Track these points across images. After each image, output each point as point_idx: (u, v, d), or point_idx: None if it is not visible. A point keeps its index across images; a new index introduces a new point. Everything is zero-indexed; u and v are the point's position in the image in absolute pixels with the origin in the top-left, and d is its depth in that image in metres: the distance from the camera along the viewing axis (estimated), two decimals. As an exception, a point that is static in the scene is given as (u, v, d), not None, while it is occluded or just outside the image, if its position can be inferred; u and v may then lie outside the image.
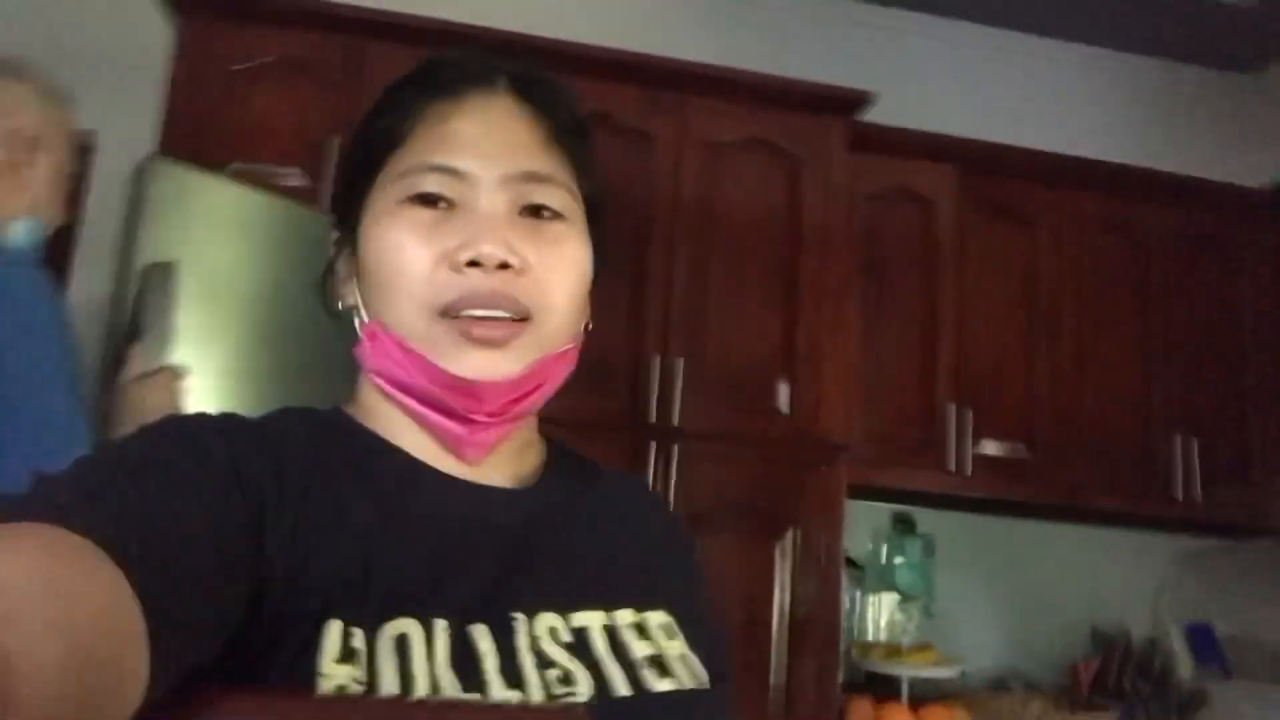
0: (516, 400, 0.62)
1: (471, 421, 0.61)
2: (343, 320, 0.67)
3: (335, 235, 0.67)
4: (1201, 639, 2.51)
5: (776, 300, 2.09)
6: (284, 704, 0.48)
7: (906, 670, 2.17)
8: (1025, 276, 2.36)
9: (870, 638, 2.39)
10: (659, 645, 0.62)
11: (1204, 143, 2.81)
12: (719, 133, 2.13)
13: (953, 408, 2.22)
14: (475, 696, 0.51)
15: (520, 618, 0.57)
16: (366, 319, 0.63)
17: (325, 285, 0.69)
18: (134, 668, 0.36)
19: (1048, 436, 2.28)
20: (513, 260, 0.59)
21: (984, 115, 2.62)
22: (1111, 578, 2.61)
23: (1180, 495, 2.30)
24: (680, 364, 2.00)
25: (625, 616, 0.63)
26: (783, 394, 2.04)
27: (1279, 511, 2.36)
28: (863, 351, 2.19)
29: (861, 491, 2.19)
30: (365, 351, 0.63)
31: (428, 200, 0.61)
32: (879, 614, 2.43)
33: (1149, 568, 2.63)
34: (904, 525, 2.47)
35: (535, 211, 0.62)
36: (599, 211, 0.67)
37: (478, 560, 0.59)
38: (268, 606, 0.51)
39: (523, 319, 0.61)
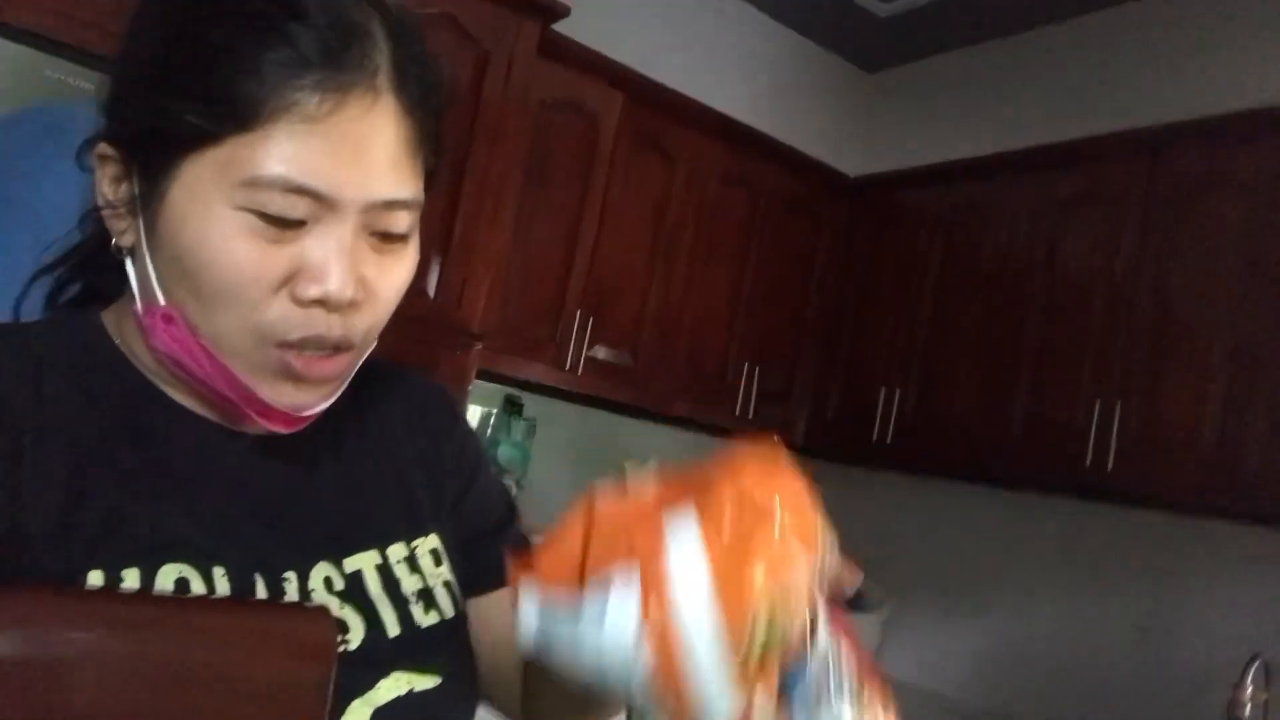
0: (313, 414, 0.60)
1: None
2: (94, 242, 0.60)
3: (109, 150, 0.56)
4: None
5: (441, 183, 2.12)
6: (50, 598, 0.52)
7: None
8: (658, 206, 2.63)
9: (465, 503, 2.62)
10: (426, 575, 0.66)
11: (823, 124, 3.28)
12: None
13: (578, 312, 2.46)
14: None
15: (291, 576, 0.58)
16: (161, 299, 0.55)
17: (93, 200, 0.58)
18: None
19: (650, 350, 2.62)
20: (358, 296, 0.55)
21: (655, 50, 2.83)
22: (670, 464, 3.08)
23: (739, 410, 2.78)
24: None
25: (398, 552, 0.65)
26: (432, 276, 2.12)
27: (802, 428, 2.96)
28: (511, 249, 2.34)
29: (482, 373, 2.36)
30: (155, 331, 0.56)
31: (277, 221, 0.52)
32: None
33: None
34: (513, 408, 2.70)
35: (383, 236, 0.57)
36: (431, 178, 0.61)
37: (247, 515, 0.59)
38: (21, 561, 0.49)
39: (350, 348, 0.58)
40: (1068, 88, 2.80)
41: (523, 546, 0.74)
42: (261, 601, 0.58)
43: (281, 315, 0.54)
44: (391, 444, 0.69)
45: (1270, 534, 2.17)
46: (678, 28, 2.99)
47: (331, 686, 0.55)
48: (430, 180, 0.60)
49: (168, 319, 0.55)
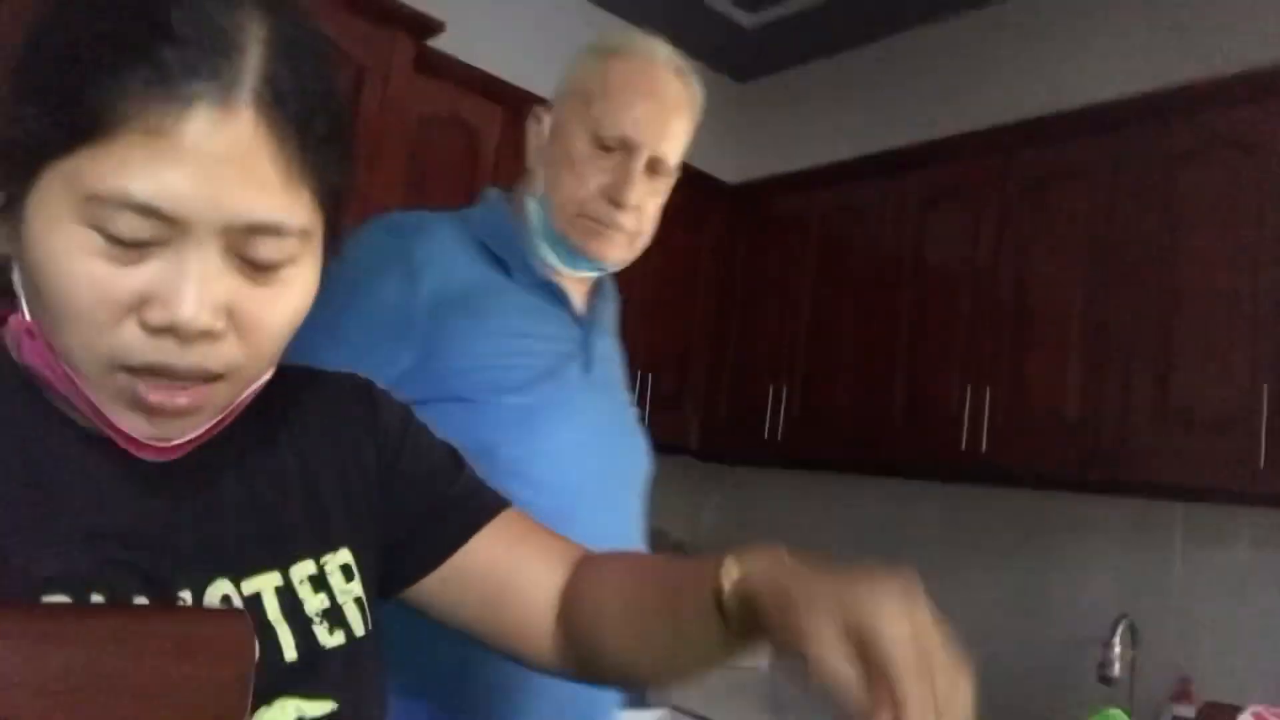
0: (193, 442, 0.58)
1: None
2: None
3: None
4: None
5: (320, 202, 2.10)
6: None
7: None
8: (544, 218, 2.65)
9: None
10: (335, 593, 0.64)
11: (699, 134, 3.34)
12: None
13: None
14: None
15: (186, 596, 0.58)
16: (26, 313, 0.53)
17: None
18: None
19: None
20: (216, 326, 0.51)
21: (533, 64, 2.84)
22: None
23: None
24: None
25: (304, 570, 0.64)
26: (316, 296, 2.08)
27: (695, 432, 3.02)
28: (396, 265, 2.31)
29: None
30: (18, 343, 0.55)
31: (120, 241, 0.49)
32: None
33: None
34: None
35: (252, 263, 0.52)
36: (343, 203, 0.57)
37: (140, 541, 0.57)
38: None
39: (215, 379, 0.54)
40: (925, 91, 2.96)
41: (479, 482, 0.77)
42: (175, 607, 0.57)
43: (130, 340, 0.51)
44: (303, 457, 0.67)
45: (1130, 502, 2.34)
46: (554, 41, 3.01)
47: (252, 682, 0.55)
48: (337, 203, 0.57)
49: (30, 334, 0.53)
